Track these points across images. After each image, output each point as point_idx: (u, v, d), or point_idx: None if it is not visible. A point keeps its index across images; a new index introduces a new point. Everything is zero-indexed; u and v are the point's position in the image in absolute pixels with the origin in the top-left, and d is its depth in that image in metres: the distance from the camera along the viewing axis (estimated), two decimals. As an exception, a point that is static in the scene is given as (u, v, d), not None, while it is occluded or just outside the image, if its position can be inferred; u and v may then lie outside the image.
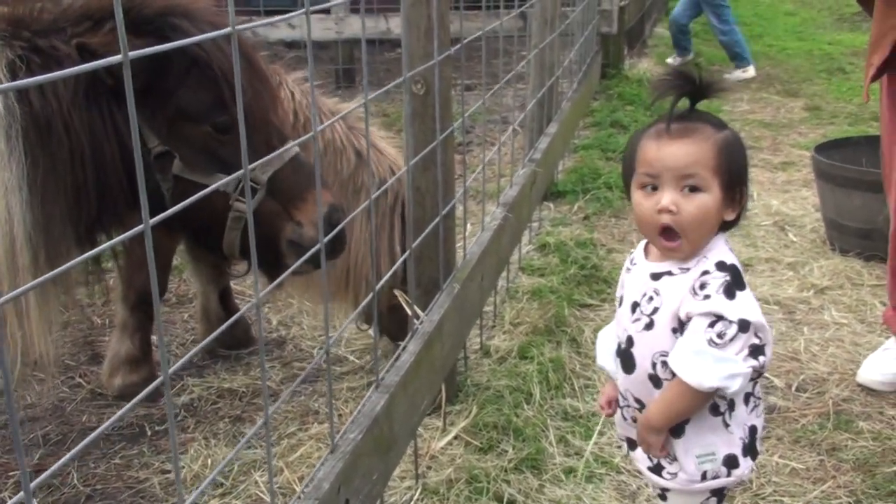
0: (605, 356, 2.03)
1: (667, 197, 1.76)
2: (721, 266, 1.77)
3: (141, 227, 1.22)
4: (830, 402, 3.14)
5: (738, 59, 8.88)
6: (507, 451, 2.82)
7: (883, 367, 3.23)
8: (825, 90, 8.25)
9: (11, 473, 2.89)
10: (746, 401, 1.87)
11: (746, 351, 1.73)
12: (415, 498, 2.64)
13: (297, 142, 1.81)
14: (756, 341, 1.74)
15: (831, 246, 4.50)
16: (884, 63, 3.05)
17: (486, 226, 3.34)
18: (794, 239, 4.69)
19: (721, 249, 1.81)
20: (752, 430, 1.90)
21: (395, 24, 7.08)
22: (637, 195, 1.83)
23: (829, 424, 3.01)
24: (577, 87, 6.03)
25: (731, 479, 1.88)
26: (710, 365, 1.72)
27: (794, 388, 3.25)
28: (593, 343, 3.49)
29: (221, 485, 2.78)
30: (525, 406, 3.06)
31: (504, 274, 3.90)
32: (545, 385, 3.19)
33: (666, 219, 1.76)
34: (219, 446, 2.98)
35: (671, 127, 1.77)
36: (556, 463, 2.80)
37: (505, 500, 2.61)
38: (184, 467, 2.87)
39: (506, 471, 2.73)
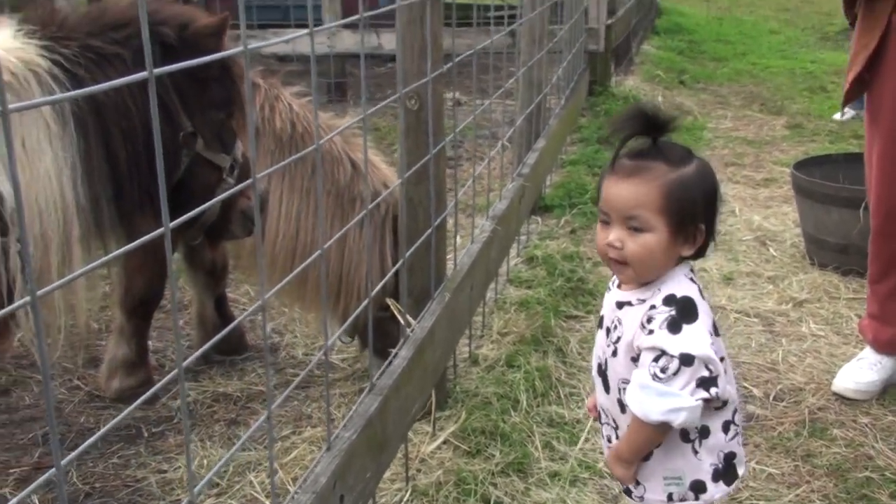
0: None
1: (613, 234, 1.85)
2: (668, 300, 1.81)
3: (160, 230, 1.32)
4: (806, 411, 3.25)
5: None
6: (494, 456, 2.92)
7: (857, 377, 3.35)
8: (807, 108, 8.42)
9: (11, 471, 2.97)
10: (726, 429, 1.91)
11: (693, 384, 1.77)
12: (405, 499, 2.73)
13: (300, 154, 1.92)
14: (705, 373, 1.78)
15: (810, 260, 4.63)
16: (857, 79, 3.19)
17: (476, 238, 3.45)
18: (775, 253, 4.81)
19: (676, 282, 1.85)
20: (729, 456, 1.92)
21: (386, 40, 7.20)
22: (598, 225, 1.92)
23: (805, 432, 3.12)
24: (565, 104, 6.16)
25: (699, 502, 1.93)
26: (653, 399, 1.78)
27: (771, 398, 3.36)
28: (579, 353, 3.64)
29: (217, 485, 2.87)
30: (512, 412, 3.16)
31: (493, 285, 4.01)
32: (531, 392, 3.29)
33: (612, 253, 1.85)
34: (214, 448, 3.07)
35: (623, 165, 1.85)
36: (541, 467, 2.90)
37: (492, 502, 2.71)
38: (180, 468, 2.96)
39: (493, 474, 2.83)
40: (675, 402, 1.77)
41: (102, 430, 1.33)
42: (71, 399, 3.42)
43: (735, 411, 1.93)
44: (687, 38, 12.38)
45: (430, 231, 2.86)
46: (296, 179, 3.32)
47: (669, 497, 1.94)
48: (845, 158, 4.91)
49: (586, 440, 3.06)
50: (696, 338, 1.78)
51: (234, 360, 3.72)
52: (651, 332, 1.81)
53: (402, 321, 2.80)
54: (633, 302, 1.89)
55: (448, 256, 3.25)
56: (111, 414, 3.27)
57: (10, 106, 1.01)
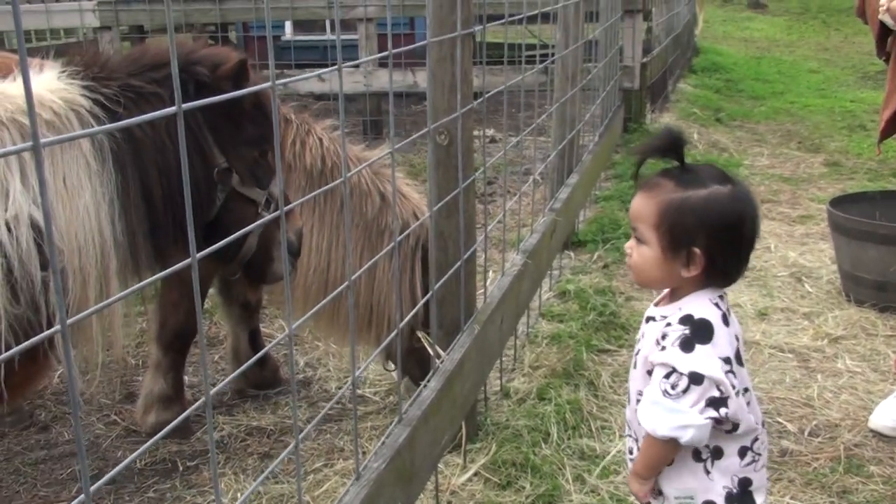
0: None
1: (630, 241, 1.99)
2: (685, 320, 1.85)
3: (187, 261, 1.36)
4: (842, 447, 3.21)
5: None
6: (524, 488, 2.92)
7: (894, 413, 3.30)
8: (846, 146, 8.35)
9: None
10: (742, 454, 1.91)
11: (703, 403, 1.80)
12: (435, 532, 2.74)
13: (328, 187, 1.96)
14: (715, 393, 1.80)
15: (847, 297, 4.58)
16: (892, 118, 3.19)
17: (507, 271, 3.47)
18: (811, 290, 4.77)
19: (698, 304, 1.88)
20: (744, 482, 1.92)
21: (421, 78, 7.30)
22: None
23: (841, 468, 3.08)
24: (599, 140, 6.18)
25: None
26: (662, 414, 1.82)
27: (806, 433, 3.33)
28: (610, 387, 3.63)
29: (249, 517, 2.90)
30: (543, 445, 3.16)
31: (524, 319, 4.02)
32: (563, 425, 3.29)
33: (627, 259, 1.99)
34: (248, 481, 3.10)
35: (646, 181, 1.96)
36: (571, 500, 2.89)
37: (522, 535, 2.71)
38: (213, 501, 2.99)
39: (523, 507, 2.83)
40: (683, 419, 1.80)
41: (129, 458, 1.37)
42: (108, 434, 3.48)
43: (755, 440, 1.93)
44: (724, 77, 12.36)
45: (459, 263, 2.89)
46: (325, 214, 3.38)
47: None
48: (882, 195, 4.87)
49: (617, 473, 3.04)
50: (707, 359, 1.81)
51: (267, 394, 3.76)
52: (664, 348, 1.85)
53: (431, 352, 2.83)
54: (657, 318, 1.94)
55: (479, 290, 3.28)
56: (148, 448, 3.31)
57: (43, 141, 1.06)
